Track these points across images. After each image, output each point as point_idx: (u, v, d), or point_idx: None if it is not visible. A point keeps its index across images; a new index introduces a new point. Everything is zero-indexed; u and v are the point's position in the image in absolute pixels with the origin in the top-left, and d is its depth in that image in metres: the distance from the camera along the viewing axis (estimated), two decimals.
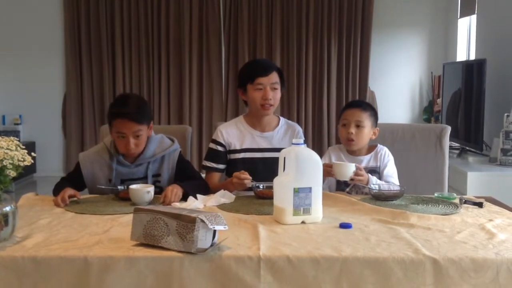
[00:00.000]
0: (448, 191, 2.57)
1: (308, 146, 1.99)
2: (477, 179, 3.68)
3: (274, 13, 6.19)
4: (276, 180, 1.89)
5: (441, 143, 2.74)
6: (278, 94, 2.54)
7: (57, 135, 6.47)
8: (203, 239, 1.50)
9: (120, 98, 2.47)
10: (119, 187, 2.26)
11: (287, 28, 6.23)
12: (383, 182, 2.36)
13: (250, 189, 2.33)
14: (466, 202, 2.14)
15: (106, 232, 1.71)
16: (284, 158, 1.85)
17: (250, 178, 2.29)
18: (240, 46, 6.23)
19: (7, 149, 1.60)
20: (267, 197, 2.16)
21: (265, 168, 2.47)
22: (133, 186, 2.13)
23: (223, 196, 2.20)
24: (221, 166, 2.59)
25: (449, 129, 2.78)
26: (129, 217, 1.69)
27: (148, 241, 1.55)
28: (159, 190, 2.32)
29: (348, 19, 6.19)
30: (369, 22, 6.18)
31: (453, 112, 4.84)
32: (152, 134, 2.41)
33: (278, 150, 2.04)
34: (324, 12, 6.17)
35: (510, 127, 3.83)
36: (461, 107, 4.62)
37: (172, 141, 2.47)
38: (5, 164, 1.57)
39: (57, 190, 2.22)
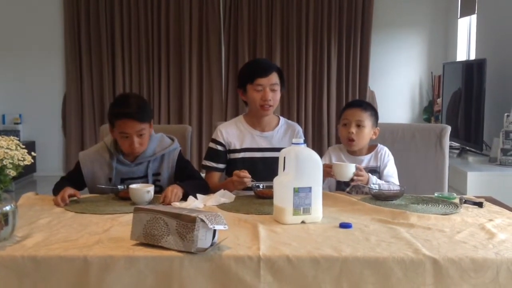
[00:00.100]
0: (448, 191, 2.57)
1: (308, 146, 1.99)
2: (477, 179, 3.68)
3: (274, 13, 6.19)
4: (276, 180, 1.89)
5: (441, 143, 2.74)
6: (277, 94, 2.54)
7: (57, 135, 6.47)
8: (203, 239, 1.50)
9: (121, 98, 2.46)
10: (119, 186, 2.27)
11: (287, 28, 6.23)
12: (383, 182, 2.36)
13: (250, 189, 2.33)
14: (466, 202, 2.14)
15: (106, 232, 1.71)
16: (284, 157, 1.85)
17: (250, 176, 2.29)
18: (240, 46, 6.23)
19: (7, 148, 1.60)
20: (267, 197, 2.16)
21: (265, 167, 2.47)
22: (133, 186, 2.13)
23: (223, 196, 2.20)
24: (221, 166, 2.59)
25: (449, 129, 2.78)
26: (129, 217, 1.69)
27: (148, 241, 1.55)
28: (159, 189, 2.32)
29: (348, 19, 6.19)
30: (369, 22, 6.18)
31: (453, 112, 4.84)
32: (152, 133, 2.42)
33: (278, 149, 2.03)
34: (324, 12, 6.17)
35: (510, 127, 3.83)
36: (461, 107, 4.62)
37: (172, 140, 2.48)
38: (5, 163, 1.57)
39: (57, 190, 2.22)
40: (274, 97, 2.53)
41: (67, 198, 2.09)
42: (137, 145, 2.30)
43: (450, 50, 6.18)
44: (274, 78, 2.52)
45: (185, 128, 2.81)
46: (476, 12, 5.29)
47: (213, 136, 2.63)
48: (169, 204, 2.07)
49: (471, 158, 4.23)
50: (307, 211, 1.82)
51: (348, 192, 2.38)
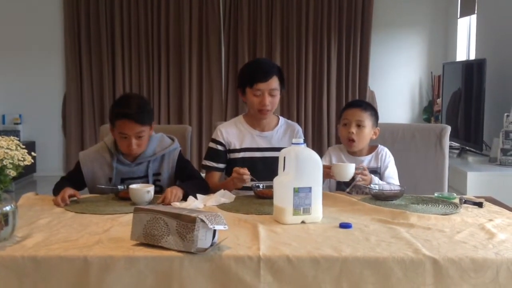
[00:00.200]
0: (448, 191, 2.57)
1: (308, 146, 1.98)
2: (477, 179, 3.68)
3: (274, 13, 6.19)
4: (276, 180, 1.89)
5: (441, 143, 2.74)
6: (276, 98, 2.53)
7: (57, 135, 6.47)
8: (203, 239, 1.50)
9: (123, 99, 2.44)
10: (119, 186, 2.26)
11: (287, 28, 6.23)
12: (384, 183, 2.35)
13: (250, 188, 2.33)
14: (466, 202, 2.14)
15: (106, 232, 1.71)
16: (284, 157, 1.85)
17: (249, 173, 2.29)
18: (240, 46, 6.23)
19: (7, 148, 1.59)
20: (267, 197, 2.16)
21: (265, 167, 2.47)
22: (133, 186, 2.13)
23: (223, 196, 2.20)
24: (221, 165, 2.59)
25: (449, 129, 2.78)
26: (129, 217, 1.69)
27: (148, 241, 1.55)
28: (159, 189, 2.32)
29: (348, 19, 6.19)
30: (369, 22, 6.18)
31: (453, 112, 4.84)
32: (152, 133, 2.42)
33: (278, 149, 2.03)
34: (324, 12, 6.17)
35: (510, 127, 3.83)
36: (461, 107, 4.62)
37: (172, 140, 2.48)
38: (5, 163, 1.57)
39: (57, 190, 2.22)
40: (273, 102, 2.52)
41: (67, 198, 2.09)
42: (135, 147, 2.30)
43: (450, 50, 6.18)
44: (273, 83, 2.50)
45: (185, 128, 2.81)
46: (476, 12, 5.29)
47: (213, 136, 2.63)
48: (169, 204, 2.07)
49: (471, 158, 4.23)
50: (307, 211, 1.82)
51: (348, 192, 2.38)
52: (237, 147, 2.58)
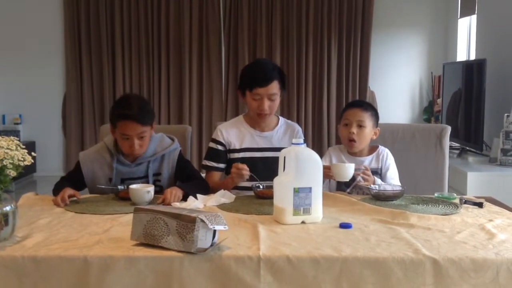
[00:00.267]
0: (448, 191, 2.57)
1: (308, 146, 1.98)
2: (477, 179, 3.68)
3: (274, 13, 6.19)
4: (276, 180, 1.89)
5: (441, 143, 2.74)
6: (276, 102, 2.52)
7: (57, 135, 6.47)
8: (203, 239, 1.50)
9: (124, 100, 2.43)
10: (119, 186, 2.26)
11: (287, 28, 6.23)
12: (386, 184, 2.35)
13: (250, 189, 2.33)
14: (466, 202, 2.14)
15: (106, 232, 1.71)
16: (284, 157, 1.85)
17: (248, 169, 2.28)
18: (240, 46, 6.23)
19: (7, 148, 1.59)
20: (267, 197, 2.16)
21: (265, 167, 2.47)
22: (133, 186, 2.13)
23: (223, 196, 2.20)
24: (221, 165, 2.59)
25: (449, 129, 2.78)
26: (129, 217, 1.69)
27: (148, 241, 1.55)
28: (159, 190, 2.32)
29: (348, 19, 6.19)
30: (369, 22, 6.18)
31: (453, 112, 4.84)
32: (153, 133, 2.41)
33: (278, 149, 2.03)
34: (324, 12, 6.17)
35: (510, 127, 3.83)
36: (461, 107, 4.62)
37: (172, 140, 2.48)
38: (5, 163, 1.57)
39: (57, 190, 2.22)
40: (272, 106, 2.51)
41: (67, 199, 2.09)
42: (137, 147, 2.30)
43: (450, 50, 6.18)
44: (273, 87, 2.48)
45: (185, 128, 2.81)
46: (476, 12, 5.29)
47: (213, 136, 2.63)
48: (168, 205, 2.07)
49: (471, 158, 4.23)
50: (307, 211, 1.82)
51: (348, 193, 2.37)
52: (237, 147, 2.58)
